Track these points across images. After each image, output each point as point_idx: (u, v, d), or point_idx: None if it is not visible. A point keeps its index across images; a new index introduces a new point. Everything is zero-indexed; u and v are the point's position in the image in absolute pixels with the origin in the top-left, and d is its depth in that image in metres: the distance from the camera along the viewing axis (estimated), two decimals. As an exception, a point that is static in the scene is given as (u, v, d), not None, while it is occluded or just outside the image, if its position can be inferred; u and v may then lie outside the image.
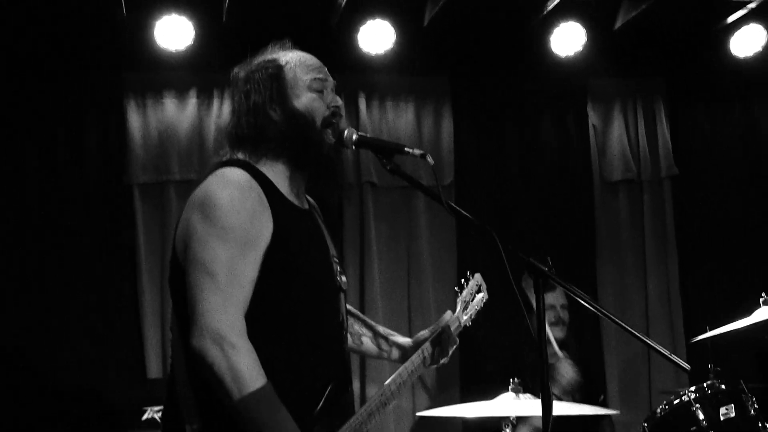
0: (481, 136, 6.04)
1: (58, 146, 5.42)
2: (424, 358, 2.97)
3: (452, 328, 3.10)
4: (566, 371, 4.97)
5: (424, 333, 3.06)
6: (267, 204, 2.53)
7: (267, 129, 2.64)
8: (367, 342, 3.07)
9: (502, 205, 5.97)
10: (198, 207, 2.51)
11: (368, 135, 2.98)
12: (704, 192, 6.25)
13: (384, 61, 5.66)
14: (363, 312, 5.60)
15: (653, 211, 6.16)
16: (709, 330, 4.58)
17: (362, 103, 5.81)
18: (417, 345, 3.01)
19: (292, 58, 2.72)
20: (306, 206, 2.77)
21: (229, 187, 2.51)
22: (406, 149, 2.67)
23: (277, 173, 2.65)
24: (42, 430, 5.02)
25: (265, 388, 2.38)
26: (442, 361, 3.03)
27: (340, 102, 2.76)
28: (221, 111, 5.54)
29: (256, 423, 2.37)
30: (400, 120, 5.92)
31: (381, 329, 3.10)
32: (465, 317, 3.18)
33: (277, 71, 2.69)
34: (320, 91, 2.71)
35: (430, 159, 2.63)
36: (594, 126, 6.19)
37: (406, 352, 3.02)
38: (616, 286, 6.10)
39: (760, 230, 6.25)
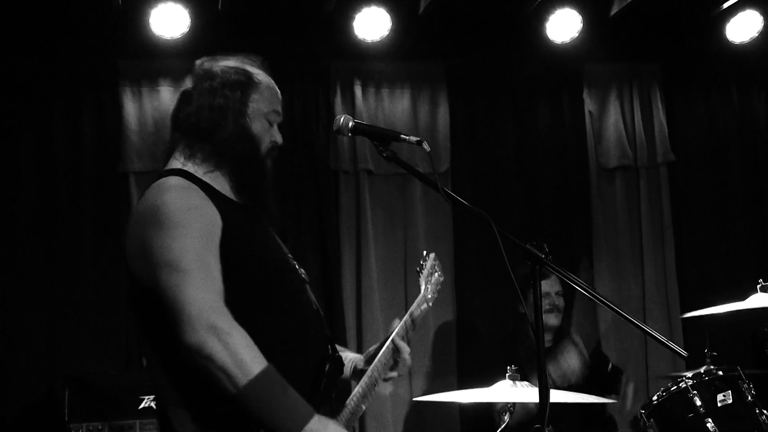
0: (477, 123, 6.03)
1: (53, 134, 5.41)
2: (379, 367, 2.92)
3: (419, 311, 3.12)
4: (571, 359, 4.97)
5: (370, 349, 3.01)
6: (210, 200, 2.53)
7: (217, 133, 2.64)
8: None
9: (498, 192, 5.97)
10: (145, 218, 2.49)
11: (364, 122, 2.98)
12: (701, 178, 6.24)
13: (380, 49, 5.65)
14: (360, 299, 5.64)
15: (650, 197, 6.16)
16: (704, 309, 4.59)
17: (358, 91, 5.80)
18: (368, 360, 2.95)
19: (263, 81, 2.74)
20: (250, 204, 2.76)
21: (170, 191, 2.51)
22: (402, 136, 2.69)
23: (215, 177, 2.65)
24: (38, 417, 5.02)
25: (268, 369, 2.36)
26: (394, 375, 2.96)
27: (280, 140, 2.78)
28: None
29: (268, 403, 2.34)
30: (396, 107, 5.91)
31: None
32: (429, 295, 3.20)
33: (247, 85, 2.70)
34: (271, 124, 2.75)
35: (426, 146, 2.64)
36: (590, 112, 6.18)
37: (356, 366, 2.96)
38: (612, 271, 6.10)
39: (756, 216, 6.26)
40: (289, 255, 2.79)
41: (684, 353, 2.43)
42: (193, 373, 2.37)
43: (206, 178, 2.62)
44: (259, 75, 2.74)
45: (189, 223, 2.44)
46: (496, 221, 2.55)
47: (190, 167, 2.63)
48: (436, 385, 5.62)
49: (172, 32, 5.31)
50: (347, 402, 2.72)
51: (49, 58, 5.39)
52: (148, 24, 5.29)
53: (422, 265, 3.27)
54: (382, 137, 2.73)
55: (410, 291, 5.79)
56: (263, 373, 2.34)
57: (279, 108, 2.77)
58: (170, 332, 2.37)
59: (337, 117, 2.81)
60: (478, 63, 6.01)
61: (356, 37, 5.57)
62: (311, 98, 5.74)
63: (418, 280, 3.24)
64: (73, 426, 4.60)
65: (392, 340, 2.92)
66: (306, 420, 2.37)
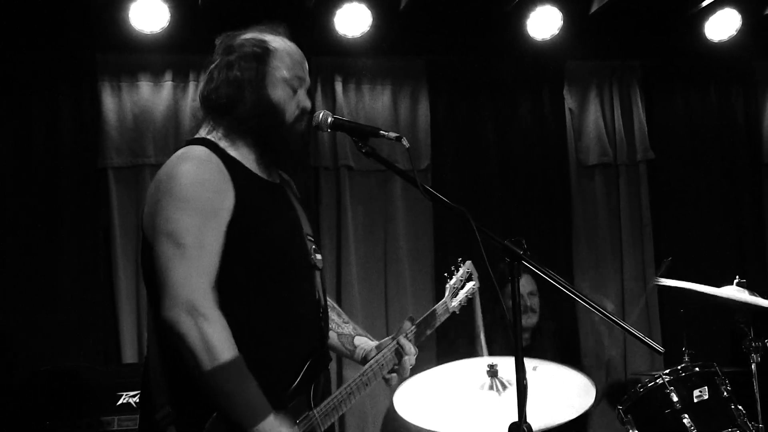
0: (457, 119, 6.03)
1: (31, 129, 5.38)
2: (381, 363, 2.90)
3: (438, 315, 3.11)
4: None
5: (386, 340, 2.99)
6: (228, 176, 2.55)
7: (238, 106, 2.65)
8: (334, 337, 3.02)
9: (478, 188, 5.98)
10: (161, 183, 2.53)
11: (344, 118, 2.97)
12: (679, 176, 6.27)
13: (361, 44, 5.64)
14: (340, 294, 5.63)
15: (629, 194, 6.19)
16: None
17: (339, 86, 5.80)
18: (380, 351, 2.95)
19: (281, 48, 2.72)
20: (278, 181, 2.78)
21: (188, 162, 2.54)
22: (381, 132, 2.69)
23: (241, 149, 2.67)
24: (15, 413, 4.98)
25: (235, 359, 2.40)
26: (394, 377, 2.93)
27: (309, 105, 2.77)
28: (197, 94, 5.50)
29: (225, 394, 2.40)
30: (376, 103, 5.91)
31: (351, 327, 3.04)
32: (454, 303, 3.17)
33: (263, 54, 2.68)
34: (295, 90, 2.72)
35: (405, 142, 2.64)
36: (570, 109, 6.20)
37: (367, 356, 2.96)
38: (592, 268, 6.13)
39: (734, 214, 6.30)
40: (310, 237, 2.79)
41: (661, 349, 2.44)
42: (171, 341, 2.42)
43: (230, 151, 2.64)
44: (276, 42, 2.72)
45: (196, 198, 2.47)
46: (476, 217, 2.55)
47: (214, 137, 2.65)
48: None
49: (151, 26, 5.29)
50: (332, 396, 2.71)
51: (27, 51, 5.35)
52: (128, 18, 5.26)
53: (452, 271, 3.23)
54: (361, 133, 2.73)
55: (390, 286, 5.80)
56: (229, 363, 2.38)
57: (302, 73, 2.74)
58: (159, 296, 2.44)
59: (316, 113, 2.81)
60: (459, 59, 6.02)
61: (337, 32, 5.56)
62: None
63: (445, 286, 3.19)
64: (50, 422, 4.57)
65: (397, 341, 2.91)
66: (259, 419, 2.42)
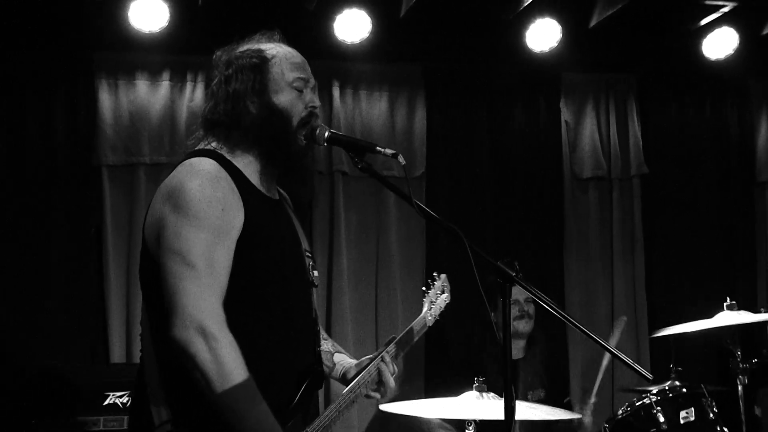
0: (453, 128, 6.03)
1: (26, 126, 5.35)
2: (362, 383, 2.87)
3: (417, 331, 3.12)
4: (527, 378, 5.00)
5: (364, 359, 2.95)
6: (237, 193, 2.53)
7: (243, 119, 2.63)
8: None
9: (472, 197, 5.98)
10: (168, 198, 2.49)
11: (341, 133, 2.97)
12: (673, 192, 6.29)
13: (359, 50, 5.64)
14: (330, 301, 5.62)
15: (622, 208, 6.21)
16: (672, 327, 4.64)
17: (336, 91, 5.79)
18: (360, 369, 2.91)
19: (278, 53, 2.70)
20: (277, 197, 2.76)
21: (199, 177, 2.49)
22: (378, 148, 2.67)
23: (248, 164, 2.64)
24: (1, 412, 4.97)
25: (247, 381, 2.38)
26: (376, 395, 2.90)
27: (318, 102, 2.75)
28: (194, 94, 5.52)
29: (237, 417, 2.37)
30: (373, 109, 5.91)
31: (330, 343, 3.02)
32: (430, 318, 3.20)
33: (261, 63, 2.66)
34: (301, 91, 2.70)
35: (401, 159, 2.63)
36: (566, 122, 6.21)
37: (347, 373, 2.93)
38: (582, 281, 6.14)
39: (727, 231, 6.31)
40: (308, 254, 2.78)
41: (649, 376, 2.45)
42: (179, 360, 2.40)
43: (238, 164, 2.61)
44: (272, 48, 2.70)
45: (207, 216, 2.44)
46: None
47: (223, 150, 2.62)
48: (404, 390, 5.62)
49: (150, 26, 5.27)
50: (323, 415, 2.70)
51: (23, 48, 5.33)
52: (127, 17, 5.24)
53: (429, 284, 3.25)
54: (357, 148, 2.71)
55: (380, 294, 5.81)
56: (241, 385, 2.36)
57: (304, 74, 2.72)
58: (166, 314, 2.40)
59: None
60: (457, 68, 6.02)
61: (336, 37, 5.55)
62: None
63: (423, 300, 3.21)
64: (35, 420, 4.56)
65: (380, 359, 2.88)
66: None
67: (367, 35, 5.55)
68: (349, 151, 2.73)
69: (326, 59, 5.71)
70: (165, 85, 5.54)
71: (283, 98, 2.66)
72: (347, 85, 5.86)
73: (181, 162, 2.59)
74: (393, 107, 5.94)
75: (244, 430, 2.37)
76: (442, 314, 3.32)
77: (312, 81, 2.75)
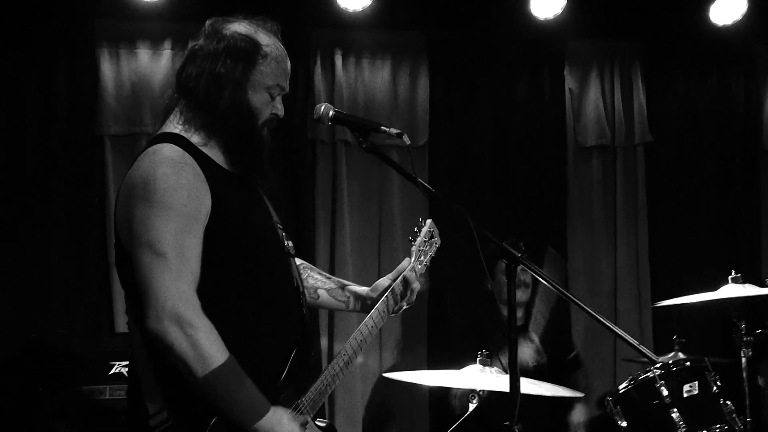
0: (456, 97, 6.00)
1: (27, 95, 5.33)
2: (387, 305, 2.95)
3: (411, 281, 3.07)
4: (523, 352, 5.03)
5: (383, 281, 3.02)
6: (203, 177, 2.52)
7: (216, 102, 2.61)
8: (324, 295, 3.06)
9: (474, 166, 5.96)
10: (135, 188, 2.49)
11: (345, 112, 2.96)
12: (677, 160, 6.26)
13: (362, 18, 5.59)
14: (333, 270, 5.62)
15: (626, 177, 6.18)
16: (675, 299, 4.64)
17: (338, 60, 5.75)
18: (376, 292, 2.98)
19: (271, 54, 2.68)
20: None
21: (162, 165, 2.48)
22: (383, 128, 2.70)
23: (212, 146, 2.64)
24: (7, 381, 5.00)
25: (227, 362, 2.41)
26: (405, 306, 3.01)
27: (282, 113, 2.73)
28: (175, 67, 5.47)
29: (223, 398, 2.41)
30: (375, 78, 5.87)
31: (335, 280, 3.09)
32: (420, 266, 3.10)
33: (252, 55, 2.64)
34: (273, 98, 2.70)
35: (406, 139, 2.65)
36: (570, 90, 6.17)
37: (365, 301, 3.00)
38: (585, 250, 6.13)
39: (730, 201, 6.29)
40: (279, 225, 2.79)
41: (655, 358, 2.47)
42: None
43: (202, 147, 2.60)
44: (269, 46, 2.68)
45: (173, 204, 2.44)
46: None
47: (186, 134, 2.61)
48: (406, 359, 5.65)
49: (153, -6, 5.24)
50: (318, 381, 2.72)
51: (23, 16, 5.29)
52: (129, -15, 5.21)
53: (416, 233, 3.18)
54: (362, 128, 2.73)
55: (383, 263, 5.80)
56: (222, 367, 2.39)
57: (284, 83, 2.72)
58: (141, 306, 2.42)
59: (318, 105, 2.82)
60: (460, 36, 5.97)
61: (339, 5, 5.51)
62: (291, 66, 5.66)
63: (411, 249, 3.14)
64: (42, 390, 4.59)
65: (403, 275, 2.95)
66: (259, 416, 2.44)
67: (370, 3, 5.51)
68: (353, 130, 2.74)
69: (329, 27, 5.68)
70: (167, 54, 5.51)
71: (256, 99, 2.65)
72: (350, 54, 5.82)
73: (144, 150, 2.58)
74: (396, 76, 5.91)
75: (231, 409, 2.41)
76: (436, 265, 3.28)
77: (286, 89, 2.74)
